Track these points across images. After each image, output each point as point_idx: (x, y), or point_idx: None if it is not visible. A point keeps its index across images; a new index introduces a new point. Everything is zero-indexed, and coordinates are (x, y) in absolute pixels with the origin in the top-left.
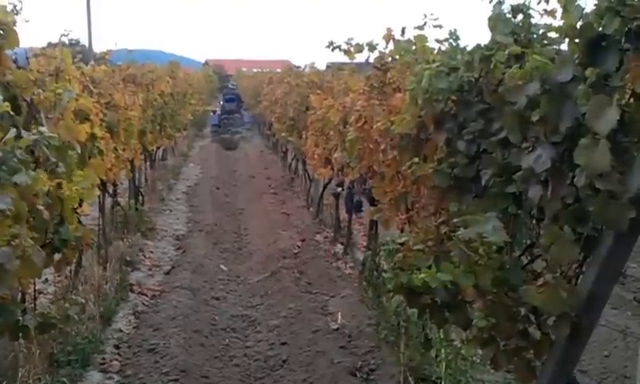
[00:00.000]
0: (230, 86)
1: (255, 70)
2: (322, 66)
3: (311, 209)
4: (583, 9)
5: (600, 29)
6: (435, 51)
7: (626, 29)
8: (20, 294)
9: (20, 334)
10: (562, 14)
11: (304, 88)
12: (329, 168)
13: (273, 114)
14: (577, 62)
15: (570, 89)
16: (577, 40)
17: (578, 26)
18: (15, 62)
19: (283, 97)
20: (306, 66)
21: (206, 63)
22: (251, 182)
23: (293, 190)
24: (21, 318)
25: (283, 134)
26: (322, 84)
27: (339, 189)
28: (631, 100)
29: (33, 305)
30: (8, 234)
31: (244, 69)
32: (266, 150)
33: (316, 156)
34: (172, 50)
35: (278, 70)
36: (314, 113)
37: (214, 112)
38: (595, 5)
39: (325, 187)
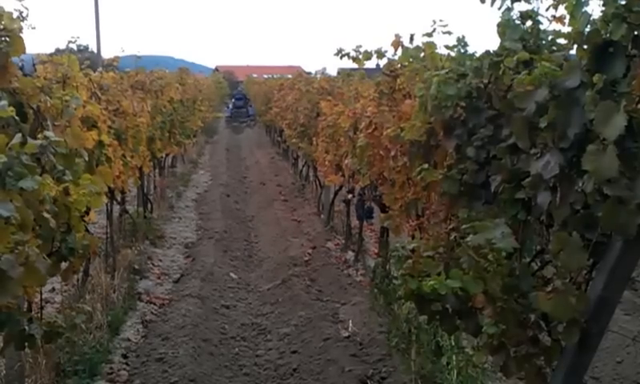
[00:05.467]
0: (239, 89)
1: (266, 76)
2: (333, 72)
3: (322, 216)
4: (590, 15)
5: (607, 35)
6: (444, 58)
7: (633, 35)
8: (26, 302)
9: (26, 344)
10: (570, 20)
11: (314, 94)
12: (339, 175)
13: (283, 121)
14: (584, 68)
15: (578, 95)
16: (584, 46)
17: (586, 33)
18: (22, 69)
19: (294, 103)
20: (316, 71)
21: (217, 69)
22: (262, 189)
23: (304, 196)
24: (27, 327)
25: (294, 141)
26: (332, 90)
27: (350, 195)
28: (639, 106)
29: (39, 314)
30: (12, 242)
31: (255, 75)
32: (277, 157)
33: (327, 162)
34: (182, 55)
35: (289, 76)
36: (324, 119)
37: (228, 107)
38: (602, 11)
39: (336, 194)
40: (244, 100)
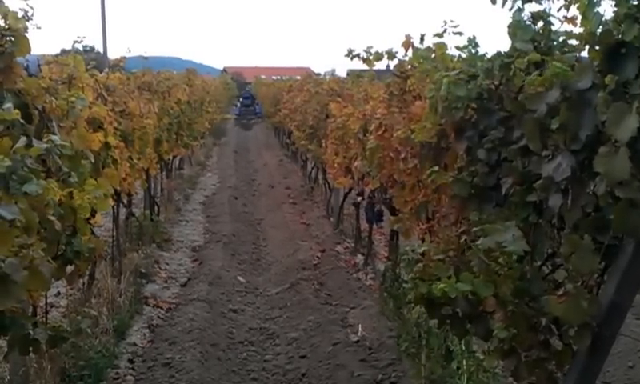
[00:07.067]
0: (247, 89)
1: (275, 78)
2: (342, 73)
3: (331, 219)
4: (602, 16)
5: (619, 36)
6: (455, 59)
7: None
8: (31, 306)
9: (30, 348)
10: (581, 20)
11: (324, 96)
12: (349, 177)
13: (292, 123)
14: (596, 69)
15: (590, 96)
16: (596, 47)
17: (598, 33)
18: (27, 69)
19: (303, 105)
20: (326, 73)
21: (225, 70)
22: (270, 192)
23: (313, 199)
24: (31, 332)
25: (303, 143)
26: (341, 92)
27: (360, 198)
28: None
29: (44, 318)
30: (16, 245)
31: (263, 76)
32: (286, 159)
33: (336, 165)
34: (189, 56)
35: (298, 77)
36: (333, 121)
37: (236, 106)
38: (614, 12)
39: (345, 197)
40: (251, 99)
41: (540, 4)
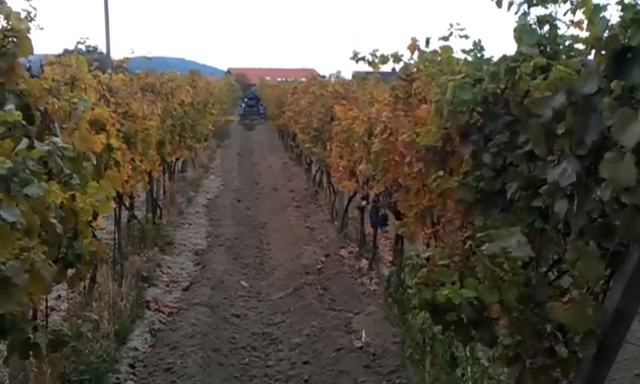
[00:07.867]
0: (251, 90)
1: (279, 79)
2: (348, 76)
3: (336, 223)
4: (608, 20)
5: (625, 41)
6: (461, 62)
7: None
8: (31, 310)
9: (30, 352)
10: (587, 25)
11: (328, 98)
12: (354, 181)
13: (297, 125)
14: (602, 74)
15: (596, 101)
16: (602, 52)
17: (604, 38)
18: (29, 70)
19: (307, 107)
20: (331, 75)
21: (229, 72)
22: (274, 195)
23: (317, 203)
24: (32, 336)
25: (307, 145)
26: (346, 94)
27: (364, 202)
28: None
29: (44, 322)
30: (17, 248)
31: (268, 78)
32: (290, 162)
33: (341, 168)
34: (193, 57)
35: (303, 79)
36: (338, 124)
37: (241, 106)
38: (620, 16)
39: (350, 200)
40: (255, 100)
41: (546, 8)
